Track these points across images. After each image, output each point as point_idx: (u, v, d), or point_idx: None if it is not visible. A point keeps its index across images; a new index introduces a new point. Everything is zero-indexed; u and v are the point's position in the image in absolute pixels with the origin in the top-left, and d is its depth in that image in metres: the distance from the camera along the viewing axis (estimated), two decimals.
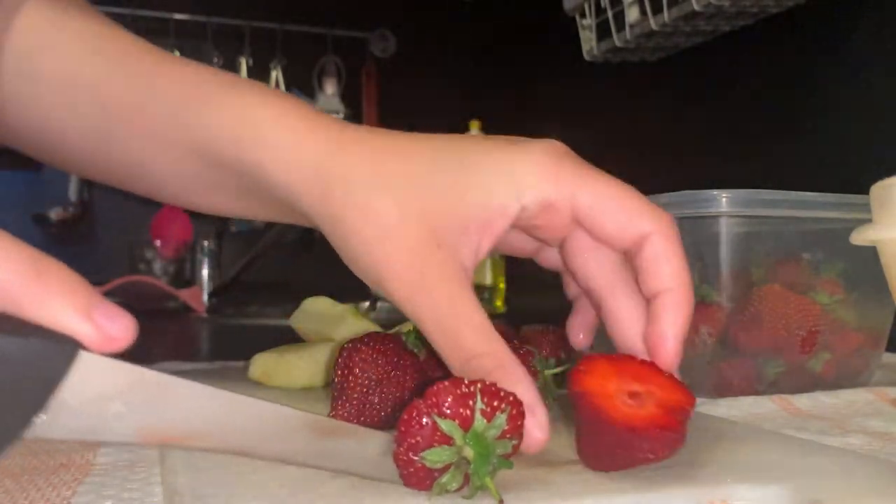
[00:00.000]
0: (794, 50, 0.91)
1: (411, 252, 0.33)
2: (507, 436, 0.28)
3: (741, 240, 0.52)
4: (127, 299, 1.45)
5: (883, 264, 0.36)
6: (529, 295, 1.64)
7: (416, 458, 0.28)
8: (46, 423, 0.22)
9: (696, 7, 0.86)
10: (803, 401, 0.51)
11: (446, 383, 0.28)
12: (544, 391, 0.41)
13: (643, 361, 0.33)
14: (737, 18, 0.92)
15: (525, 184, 0.33)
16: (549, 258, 0.39)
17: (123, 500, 0.31)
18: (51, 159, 0.44)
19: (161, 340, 1.06)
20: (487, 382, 0.28)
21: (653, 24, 0.94)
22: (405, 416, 0.28)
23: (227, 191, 0.40)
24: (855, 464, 0.35)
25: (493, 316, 1.44)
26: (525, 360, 0.41)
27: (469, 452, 0.28)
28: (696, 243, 0.53)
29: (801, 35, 0.90)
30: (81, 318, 0.23)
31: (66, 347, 0.23)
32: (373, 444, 0.30)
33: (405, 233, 0.33)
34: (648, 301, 0.34)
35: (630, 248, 0.34)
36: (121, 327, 0.24)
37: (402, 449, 0.28)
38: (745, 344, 0.53)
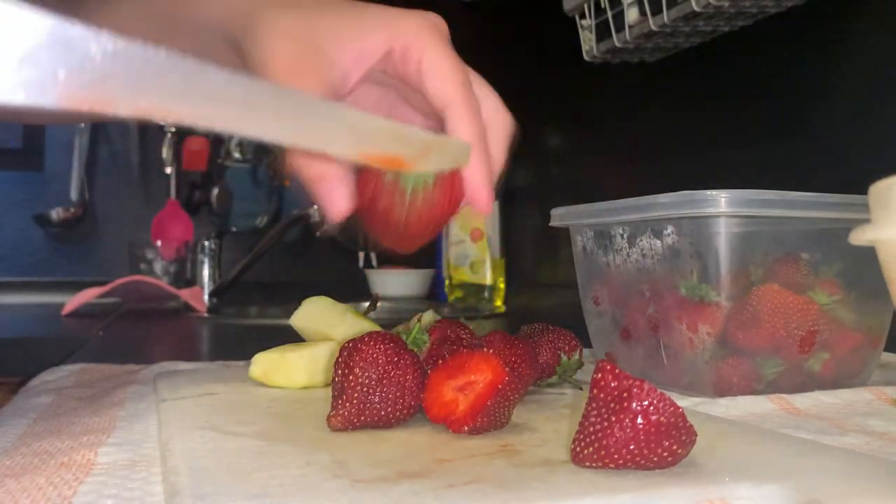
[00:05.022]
0: (794, 50, 0.91)
1: (296, 48, 0.40)
2: None
3: (740, 240, 0.53)
4: (128, 299, 1.45)
5: (882, 264, 0.36)
6: (529, 295, 1.64)
7: None
8: None
9: (696, 7, 0.86)
10: (802, 400, 0.51)
11: None
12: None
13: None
14: (736, 19, 0.92)
15: (399, 33, 0.41)
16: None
17: (124, 500, 0.31)
18: None
19: (162, 340, 1.06)
20: None
21: (652, 24, 0.94)
22: None
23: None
24: (854, 463, 0.35)
25: (494, 316, 1.43)
26: (526, 351, 0.41)
27: None
28: (696, 243, 0.54)
29: (801, 35, 0.90)
30: None
31: None
32: None
33: (294, 36, 0.41)
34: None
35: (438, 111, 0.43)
36: None
37: None
38: (743, 343, 0.53)
